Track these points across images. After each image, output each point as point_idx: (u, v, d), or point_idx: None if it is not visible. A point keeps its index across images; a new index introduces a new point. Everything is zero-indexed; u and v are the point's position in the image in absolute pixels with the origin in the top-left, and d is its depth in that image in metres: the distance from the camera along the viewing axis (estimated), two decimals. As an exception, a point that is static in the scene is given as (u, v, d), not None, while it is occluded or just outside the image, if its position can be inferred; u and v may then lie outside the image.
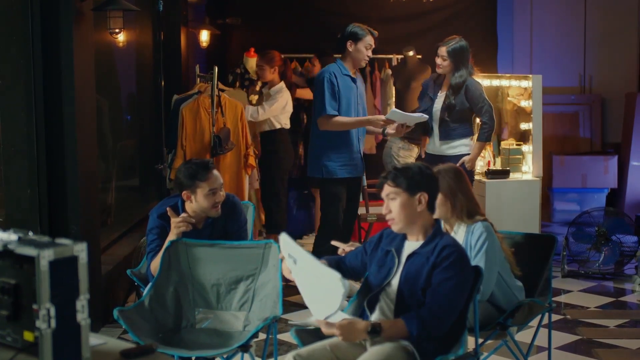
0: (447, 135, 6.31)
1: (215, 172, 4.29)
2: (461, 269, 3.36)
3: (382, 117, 6.06)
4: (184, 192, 4.27)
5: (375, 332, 3.25)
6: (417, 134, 6.80)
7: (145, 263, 4.38)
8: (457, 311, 3.36)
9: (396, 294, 3.42)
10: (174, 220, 4.20)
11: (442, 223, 4.06)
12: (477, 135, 6.38)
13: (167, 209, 4.27)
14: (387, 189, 3.45)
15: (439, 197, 3.96)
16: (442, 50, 6.21)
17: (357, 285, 6.03)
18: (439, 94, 6.32)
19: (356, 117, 6.04)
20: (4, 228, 2.32)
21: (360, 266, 3.68)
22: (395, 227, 3.47)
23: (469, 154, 6.29)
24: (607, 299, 6.41)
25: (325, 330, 3.23)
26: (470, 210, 4.04)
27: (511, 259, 4.15)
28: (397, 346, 3.30)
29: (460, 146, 6.33)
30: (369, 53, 6.04)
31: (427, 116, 6.10)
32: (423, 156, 6.38)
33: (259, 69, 7.41)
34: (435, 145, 6.34)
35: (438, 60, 6.23)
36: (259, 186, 7.56)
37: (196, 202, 4.25)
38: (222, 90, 6.61)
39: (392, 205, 3.43)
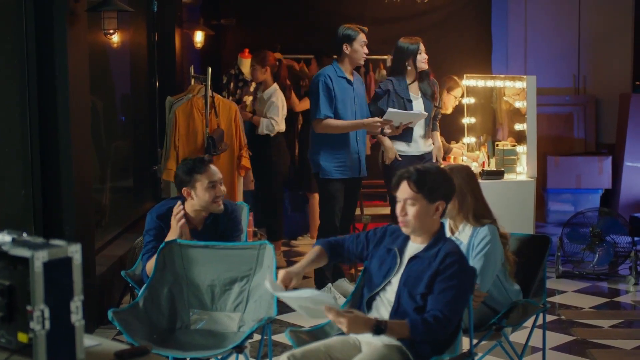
0: (429, 132, 6.48)
1: (212, 166, 4.29)
2: (463, 278, 3.36)
3: (379, 119, 6.08)
4: (183, 189, 4.25)
5: (380, 331, 3.23)
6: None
7: (140, 264, 4.36)
8: (459, 318, 3.37)
9: (395, 296, 3.41)
10: (173, 215, 4.17)
11: (448, 221, 4.09)
12: (432, 126, 6.58)
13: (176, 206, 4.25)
14: (407, 192, 3.39)
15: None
16: (422, 46, 6.32)
17: (351, 287, 6.05)
18: (413, 96, 6.32)
19: (350, 121, 6.07)
20: (-2, 229, 2.31)
21: (357, 254, 3.65)
22: (406, 230, 3.45)
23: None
24: (601, 299, 6.42)
25: (331, 317, 3.20)
26: (477, 212, 4.02)
27: (512, 265, 4.15)
28: (392, 347, 3.30)
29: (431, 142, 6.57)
30: (365, 50, 6.14)
31: (426, 113, 6.20)
32: (400, 159, 6.33)
33: (252, 69, 7.41)
34: (419, 146, 6.38)
35: (424, 54, 6.30)
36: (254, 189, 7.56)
37: (197, 197, 4.23)
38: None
39: (409, 209, 3.39)
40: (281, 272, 3.44)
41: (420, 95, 6.35)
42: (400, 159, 6.30)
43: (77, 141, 5.12)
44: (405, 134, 6.31)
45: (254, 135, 7.41)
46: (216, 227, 4.32)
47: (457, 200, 4.00)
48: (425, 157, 6.39)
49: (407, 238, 3.52)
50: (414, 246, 3.48)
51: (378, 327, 3.22)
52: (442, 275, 3.31)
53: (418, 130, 6.34)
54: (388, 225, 3.64)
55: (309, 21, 9.45)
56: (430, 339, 3.29)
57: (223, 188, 4.30)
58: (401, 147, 6.39)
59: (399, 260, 3.47)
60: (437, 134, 6.64)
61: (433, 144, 6.56)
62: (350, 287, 6.15)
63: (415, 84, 6.34)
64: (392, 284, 3.45)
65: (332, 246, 3.68)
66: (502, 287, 4.08)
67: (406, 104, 6.28)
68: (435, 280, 3.32)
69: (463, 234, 4.04)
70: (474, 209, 4.02)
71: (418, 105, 6.33)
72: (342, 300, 5.35)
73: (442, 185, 3.42)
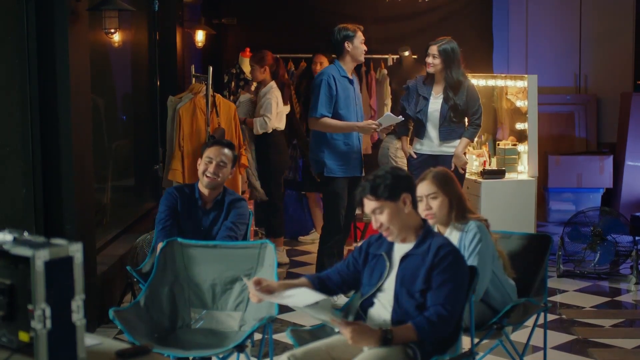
0: (449, 134, 6.34)
1: (221, 148, 4.64)
2: (459, 269, 3.36)
3: (373, 122, 6.13)
4: (198, 160, 4.70)
5: (387, 341, 3.21)
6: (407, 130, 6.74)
7: (149, 261, 4.39)
8: (460, 310, 3.36)
9: (393, 297, 3.39)
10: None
11: (436, 227, 4.07)
12: (464, 132, 6.38)
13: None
14: (371, 205, 3.38)
15: (439, 200, 3.94)
16: (433, 49, 6.26)
17: (338, 301, 5.95)
18: (433, 95, 6.33)
19: (345, 122, 6.07)
20: (-1, 228, 2.31)
21: (352, 276, 3.58)
22: (392, 237, 3.43)
23: None
24: (602, 298, 6.42)
25: (338, 328, 3.20)
26: (461, 211, 4.01)
27: (505, 260, 4.14)
28: (395, 347, 3.29)
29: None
30: (364, 46, 6.16)
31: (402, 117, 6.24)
32: (415, 157, 6.37)
33: (251, 69, 7.43)
34: (433, 145, 6.36)
35: (429, 59, 6.27)
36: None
37: (198, 167, 4.64)
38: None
39: (381, 218, 3.37)
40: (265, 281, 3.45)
41: (440, 96, 6.32)
42: (415, 156, 6.34)
43: (78, 140, 5.12)
44: (417, 130, 6.40)
45: (253, 134, 7.41)
46: (222, 206, 4.59)
47: (443, 204, 3.96)
48: (439, 158, 6.24)
49: (391, 241, 3.50)
50: (402, 246, 3.45)
51: (385, 338, 3.21)
52: (438, 268, 3.30)
53: (430, 129, 6.34)
54: (370, 237, 3.63)
55: (310, 21, 9.45)
56: (437, 337, 3.29)
57: (222, 174, 4.59)
58: (415, 145, 6.43)
59: (388, 263, 3.45)
60: (464, 140, 6.34)
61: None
62: (339, 301, 6.13)
63: (441, 85, 6.31)
64: (386, 287, 3.43)
65: (321, 281, 3.59)
66: (499, 283, 4.07)
67: (420, 101, 6.32)
68: (432, 274, 3.31)
69: (452, 235, 4.01)
70: (457, 208, 3.99)
71: (434, 104, 6.33)
72: (342, 300, 5.34)
73: (395, 180, 3.37)
